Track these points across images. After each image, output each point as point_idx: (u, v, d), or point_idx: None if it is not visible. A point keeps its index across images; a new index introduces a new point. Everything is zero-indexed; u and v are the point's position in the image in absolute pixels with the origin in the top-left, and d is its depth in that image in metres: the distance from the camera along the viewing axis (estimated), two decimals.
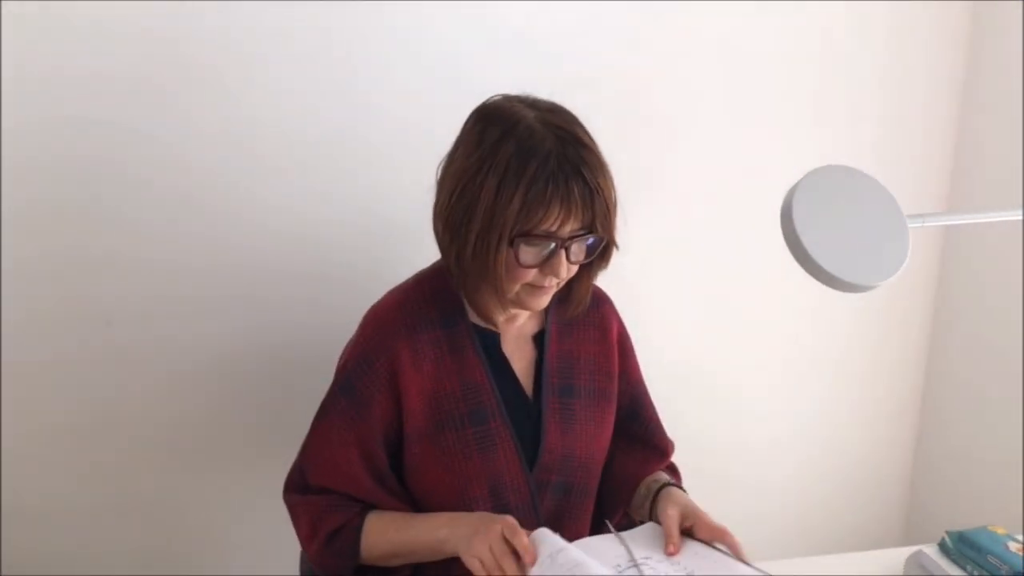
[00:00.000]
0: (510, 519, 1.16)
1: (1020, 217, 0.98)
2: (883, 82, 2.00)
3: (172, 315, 1.61)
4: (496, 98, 1.22)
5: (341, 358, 1.34)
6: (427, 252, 1.33)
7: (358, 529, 1.26)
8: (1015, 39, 1.94)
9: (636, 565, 1.13)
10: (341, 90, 1.61)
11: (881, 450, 2.29)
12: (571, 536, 1.26)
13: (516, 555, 1.12)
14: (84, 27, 1.44)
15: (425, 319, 1.28)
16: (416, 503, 1.29)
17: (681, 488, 1.35)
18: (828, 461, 2.24)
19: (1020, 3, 1.91)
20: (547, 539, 1.13)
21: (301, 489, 1.31)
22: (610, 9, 1.74)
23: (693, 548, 1.19)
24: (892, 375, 2.24)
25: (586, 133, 1.17)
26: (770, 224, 1.90)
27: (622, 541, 1.20)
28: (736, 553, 1.18)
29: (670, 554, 1.17)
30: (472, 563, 1.14)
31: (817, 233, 0.90)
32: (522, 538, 1.13)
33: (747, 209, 1.94)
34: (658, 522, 1.26)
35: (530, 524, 1.18)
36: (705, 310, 2.01)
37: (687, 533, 1.22)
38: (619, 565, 1.13)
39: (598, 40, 1.74)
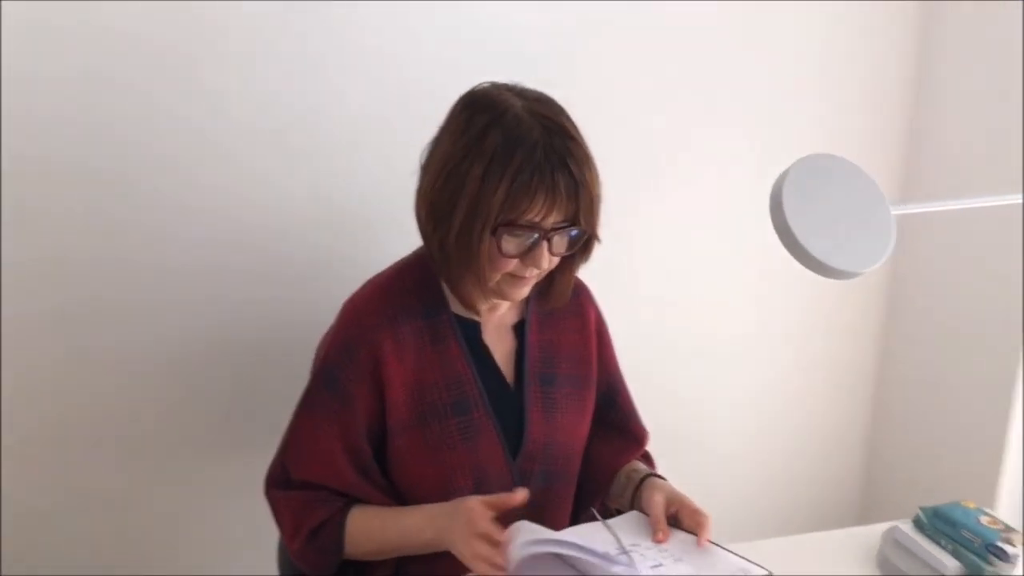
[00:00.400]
0: (470, 508, 1.15)
1: (1016, 201, 1.01)
2: (840, 75, 2.04)
3: (145, 311, 1.59)
4: (484, 85, 1.21)
5: (320, 349, 1.33)
6: (407, 241, 1.32)
7: (341, 525, 1.24)
8: (967, 30, 2.00)
9: (626, 552, 1.15)
10: (321, 88, 1.60)
11: (838, 429, 2.35)
12: (554, 523, 1.27)
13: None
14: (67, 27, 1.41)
15: (407, 309, 1.27)
16: (400, 495, 1.29)
17: (662, 477, 1.37)
18: (786, 439, 2.30)
19: None
20: (526, 527, 1.13)
21: (283, 484, 1.29)
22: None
23: (680, 536, 1.21)
24: (848, 356, 2.30)
25: (572, 124, 1.17)
26: (736, 209, 1.96)
27: (609, 528, 1.21)
28: (701, 531, 1.19)
29: (659, 541, 1.19)
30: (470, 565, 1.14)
31: (806, 221, 0.91)
32: (483, 525, 1.12)
33: (717, 197, 1.98)
34: (642, 510, 1.28)
35: (514, 513, 1.17)
36: (673, 290, 2.04)
37: (672, 521, 1.23)
38: (608, 552, 1.14)
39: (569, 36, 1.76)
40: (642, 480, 1.33)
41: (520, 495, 1.16)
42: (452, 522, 1.16)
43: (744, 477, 2.25)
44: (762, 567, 1.15)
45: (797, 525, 2.28)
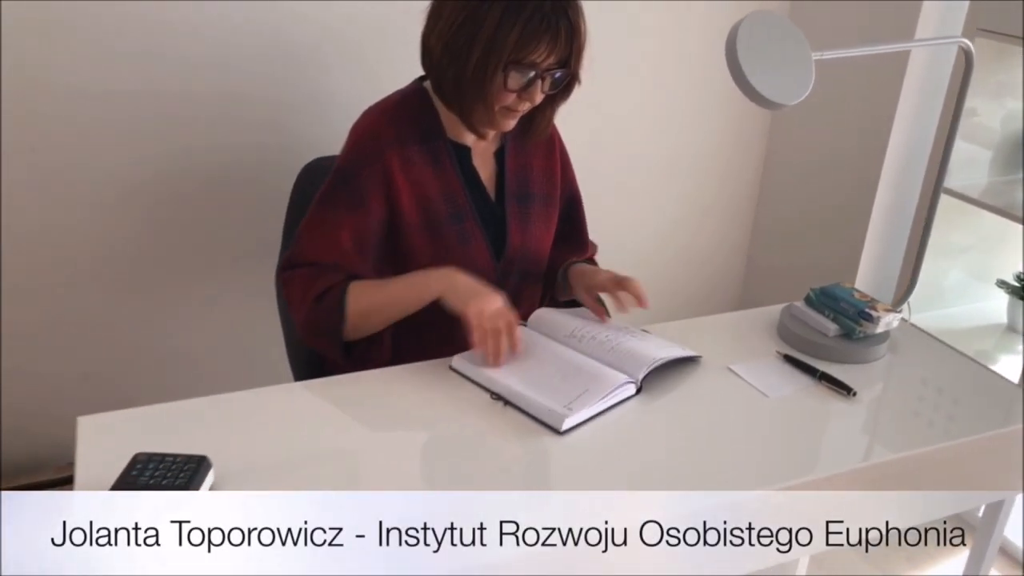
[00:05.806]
0: (503, 303, 1.38)
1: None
2: None
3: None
4: None
5: (336, 162, 1.47)
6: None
7: (344, 289, 1.40)
8: None
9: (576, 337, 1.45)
10: None
11: (726, 236, 2.78)
12: (525, 312, 1.56)
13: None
14: None
15: (410, 134, 1.46)
16: None
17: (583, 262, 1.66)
18: (689, 244, 2.70)
19: None
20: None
21: (292, 266, 1.45)
22: None
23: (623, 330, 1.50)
24: (736, 176, 2.69)
25: None
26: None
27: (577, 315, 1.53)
28: (637, 293, 1.45)
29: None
30: (471, 315, 1.34)
31: (753, 63, 1.20)
32: (513, 314, 1.39)
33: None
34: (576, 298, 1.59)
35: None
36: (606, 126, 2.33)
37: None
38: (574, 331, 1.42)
39: None
40: (565, 271, 1.63)
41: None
42: (480, 287, 1.37)
43: (651, 272, 2.59)
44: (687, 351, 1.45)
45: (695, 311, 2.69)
